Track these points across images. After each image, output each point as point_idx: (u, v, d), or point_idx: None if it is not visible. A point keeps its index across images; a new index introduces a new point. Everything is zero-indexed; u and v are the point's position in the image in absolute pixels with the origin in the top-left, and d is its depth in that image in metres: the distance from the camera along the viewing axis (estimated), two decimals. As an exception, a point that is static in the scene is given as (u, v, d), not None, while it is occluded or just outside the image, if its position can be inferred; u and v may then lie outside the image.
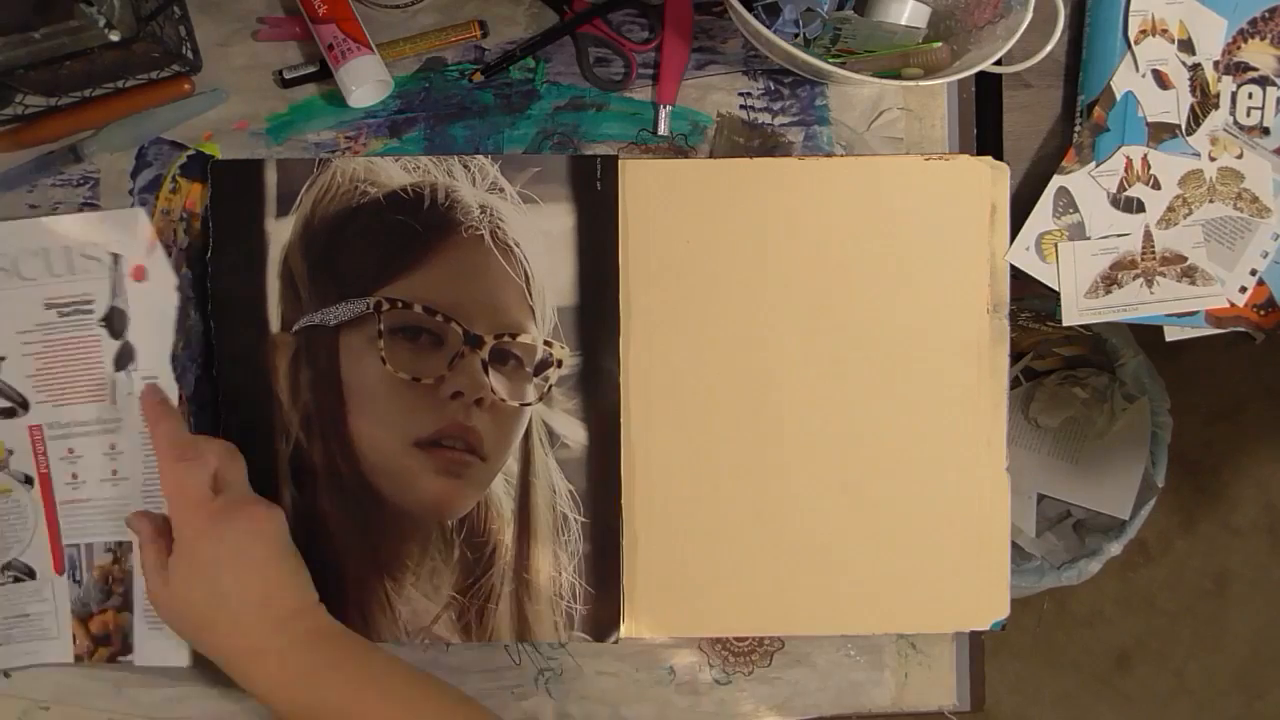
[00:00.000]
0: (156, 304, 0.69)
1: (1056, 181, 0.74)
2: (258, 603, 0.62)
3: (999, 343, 0.71)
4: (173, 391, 0.68)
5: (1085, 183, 0.74)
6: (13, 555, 0.69)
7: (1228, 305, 0.76)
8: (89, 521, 0.69)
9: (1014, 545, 1.20)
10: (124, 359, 0.68)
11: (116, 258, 0.69)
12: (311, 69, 0.70)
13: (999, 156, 0.72)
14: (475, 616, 0.69)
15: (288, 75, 0.71)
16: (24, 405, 0.69)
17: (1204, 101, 0.75)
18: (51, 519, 0.69)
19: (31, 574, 0.69)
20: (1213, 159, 0.75)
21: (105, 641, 0.69)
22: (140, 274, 0.69)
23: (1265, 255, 0.76)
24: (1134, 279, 0.75)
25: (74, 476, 0.69)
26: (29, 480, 0.69)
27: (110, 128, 0.70)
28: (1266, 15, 0.75)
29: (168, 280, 0.69)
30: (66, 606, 0.69)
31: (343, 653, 0.63)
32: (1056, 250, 0.74)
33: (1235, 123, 0.76)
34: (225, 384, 0.69)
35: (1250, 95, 0.76)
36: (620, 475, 0.69)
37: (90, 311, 0.68)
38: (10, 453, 0.69)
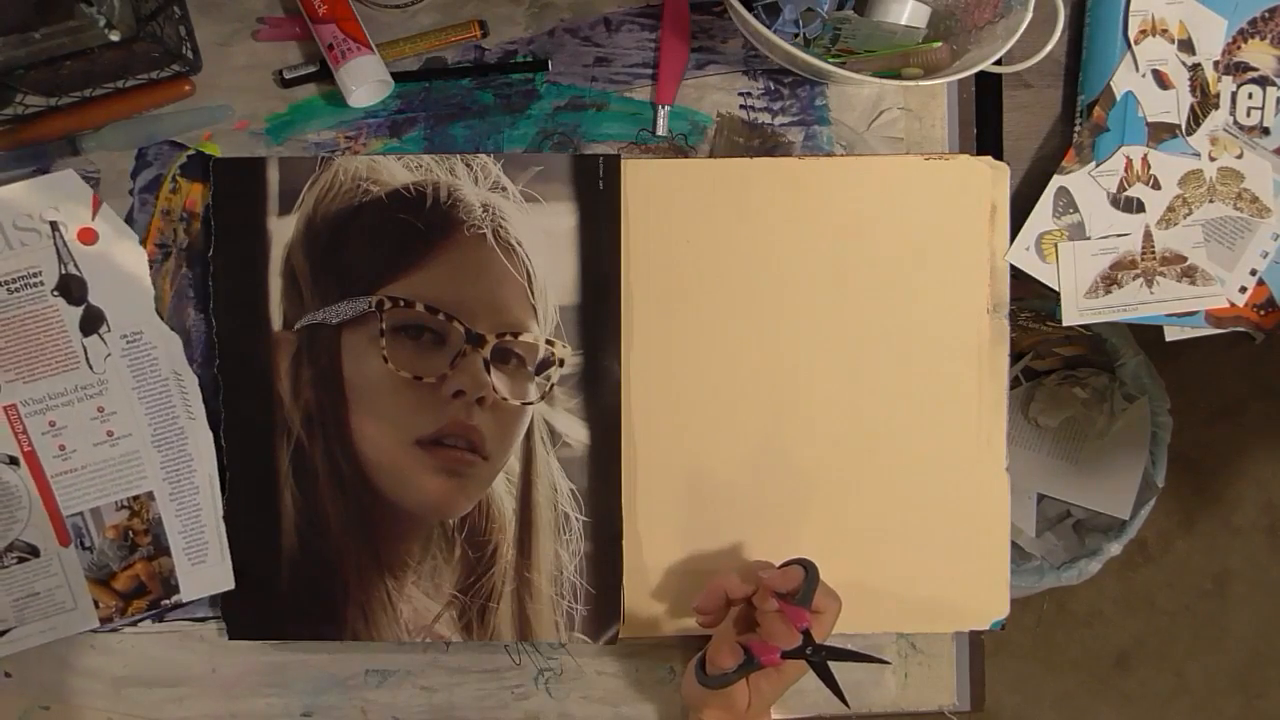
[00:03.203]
0: (118, 263, 0.68)
1: (1056, 181, 0.74)
2: None
3: (999, 343, 0.71)
4: (175, 349, 0.68)
5: (1085, 183, 0.74)
6: (13, 536, 0.69)
7: (1228, 305, 0.76)
8: (90, 486, 0.69)
9: (1014, 545, 1.20)
10: (92, 323, 0.68)
11: (55, 225, 0.68)
12: (311, 69, 0.70)
13: (999, 156, 0.72)
14: (476, 615, 0.69)
15: (288, 75, 0.71)
16: None
17: (1204, 101, 0.75)
18: (46, 494, 0.69)
19: (35, 551, 0.69)
20: (1213, 159, 0.75)
21: (140, 593, 0.70)
22: (90, 236, 0.68)
23: (1265, 255, 0.76)
24: (1134, 279, 0.75)
25: (61, 448, 0.69)
26: (14, 461, 0.69)
27: (111, 127, 0.70)
28: (1266, 15, 0.76)
29: (126, 237, 0.68)
30: (80, 575, 0.69)
31: None
32: (1056, 250, 0.74)
33: (1235, 123, 0.76)
34: (227, 382, 0.69)
35: (1250, 95, 0.76)
36: (621, 474, 0.69)
37: (40, 283, 0.68)
38: None
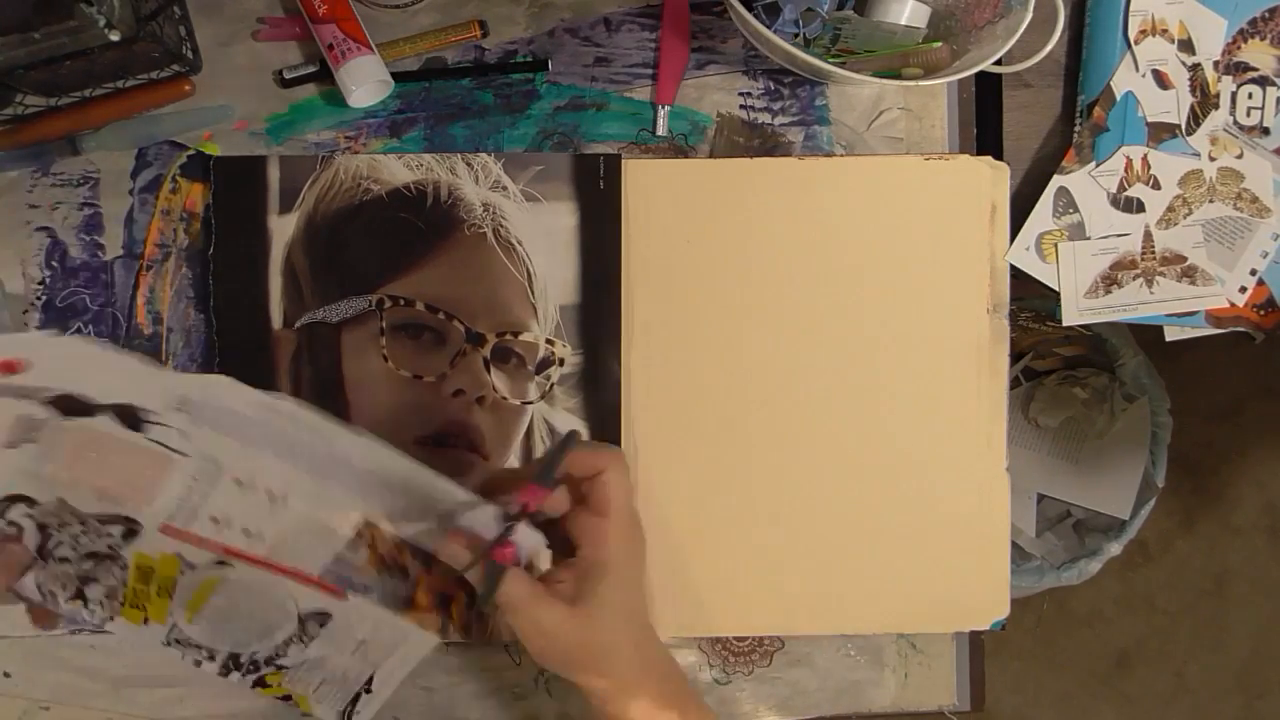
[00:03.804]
0: (74, 353, 0.57)
1: (1056, 181, 0.74)
2: (650, 633, 0.58)
3: (999, 343, 0.71)
4: (227, 387, 0.57)
5: (1085, 183, 0.74)
6: (295, 612, 0.62)
7: (1228, 305, 0.76)
8: (309, 544, 0.61)
9: (1014, 545, 1.20)
10: (128, 419, 0.57)
11: None
12: (311, 69, 0.70)
13: (999, 156, 0.72)
14: (475, 615, 0.69)
15: (288, 75, 0.71)
16: (134, 524, 0.60)
17: (1204, 101, 0.75)
18: (280, 568, 0.61)
19: (326, 614, 0.62)
20: (1213, 159, 0.75)
21: (448, 600, 0.63)
22: (12, 367, 0.56)
23: (1265, 255, 0.76)
24: (1134, 279, 0.75)
25: (246, 531, 0.60)
26: (222, 563, 0.60)
27: (111, 128, 0.70)
28: (1266, 15, 0.76)
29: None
30: (384, 612, 0.63)
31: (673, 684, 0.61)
32: (1056, 250, 0.74)
33: (1235, 123, 0.76)
34: (226, 383, 0.69)
35: (1250, 95, 0.76)
36: (621, 474, 0.69)
37: (42, 422, 0.57)
38: (180, 557, 0.60)
